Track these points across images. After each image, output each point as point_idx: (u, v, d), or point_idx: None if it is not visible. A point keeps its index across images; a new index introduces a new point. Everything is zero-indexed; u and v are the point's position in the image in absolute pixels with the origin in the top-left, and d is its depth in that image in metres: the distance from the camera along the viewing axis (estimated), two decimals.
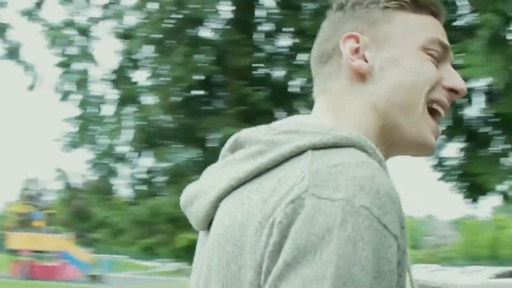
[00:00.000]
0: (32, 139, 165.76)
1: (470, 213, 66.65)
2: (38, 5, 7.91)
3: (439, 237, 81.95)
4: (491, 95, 6.63)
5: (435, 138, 0.84)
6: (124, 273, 40.54)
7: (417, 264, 56.02)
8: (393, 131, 0.82)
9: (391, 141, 0.83)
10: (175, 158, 7.80)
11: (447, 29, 0.90)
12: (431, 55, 0.83)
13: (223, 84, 7.72)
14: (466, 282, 25.52)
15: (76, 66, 7.83)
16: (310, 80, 1.10)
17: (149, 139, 7.59)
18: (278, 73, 7.82)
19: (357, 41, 0.84)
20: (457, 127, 7.08)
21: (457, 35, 6.34)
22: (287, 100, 7.43)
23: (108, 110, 7.93)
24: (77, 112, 7.86)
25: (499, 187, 6.80)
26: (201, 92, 7.90)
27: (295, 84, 7.56)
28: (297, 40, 7.42)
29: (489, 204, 75.98)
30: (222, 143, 0.88)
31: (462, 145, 7.12)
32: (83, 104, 7.82)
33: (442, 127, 0.91)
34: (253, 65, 7.53)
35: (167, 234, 8.14)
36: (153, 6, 7.52)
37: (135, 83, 7.87)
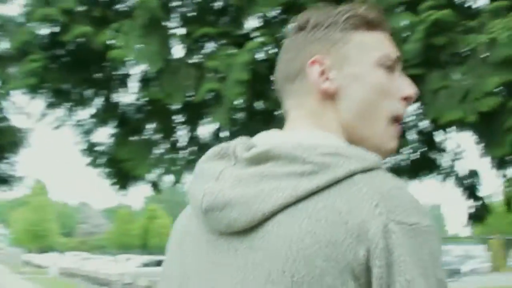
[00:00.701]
0: None
1: (124, 203, 68.92)
2: None
3: (92, 226, 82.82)
4: (145, 81, 6.53)
5: (397, 142, 0.97)
6: None
7: (69, 252, 55.30)
8: (360, 142, 0.91)
9: None
10: None
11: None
12: (386, 68, 0.94)
13: None
14: (115, 270, 26.05)
15: None
16: None
17: None
18: None
19: (321, 64, 0.93)
20: (110, 112, 6.78)
21: (116, 15, 6.02)
22: None
23: None
24: None
25: (149, 176, 6.75)
26: None
27: None
28: None
29: (142, 193, 79.66)
30: None
31: (114, 130, 6.85)
32: None
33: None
34: None
35: None
36: None
37: None
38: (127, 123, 6.76)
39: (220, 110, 5.75)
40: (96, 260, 38.80)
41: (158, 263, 24.87)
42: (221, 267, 0.84)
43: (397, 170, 8.50)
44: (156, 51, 5.48)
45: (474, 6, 6.17)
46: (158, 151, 6.59)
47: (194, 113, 6.36)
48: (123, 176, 6.55)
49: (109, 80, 6.79)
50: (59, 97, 6.71)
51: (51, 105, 6.75)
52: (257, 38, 6.07)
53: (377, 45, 0.95)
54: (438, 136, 8.30)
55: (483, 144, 6.06)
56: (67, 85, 6.65)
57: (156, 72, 5.65)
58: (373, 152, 0.87)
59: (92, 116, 6.92)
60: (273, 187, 0.81)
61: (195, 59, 6.17)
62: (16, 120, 10.22)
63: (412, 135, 8.25)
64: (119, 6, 6.34)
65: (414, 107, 7.64)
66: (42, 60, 5.91)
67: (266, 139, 0.91)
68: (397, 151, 8.18)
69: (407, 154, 8.36)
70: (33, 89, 6.28)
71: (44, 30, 6.26)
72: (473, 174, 8.89)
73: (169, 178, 6.63)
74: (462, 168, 8.69)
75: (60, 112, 6.89)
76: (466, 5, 6.19)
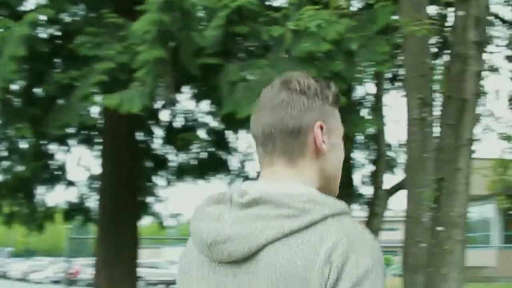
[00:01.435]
0: None
1: None
2: None
3: None
4: None
5: None
6: None
7: None
8: (329, 192, 1.16)
9: None
10: None
11: None
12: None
13: None
14: None
15: None
16: None
17: None
18: None
19: (323, 129, 1.16)
20: None
21: None
22: None
23: None
24: None
25: None
26: None
27: None
28: None
29: None
30: None
31: None
32: None
33: None
34: None
35: None
36: None
37: None
38: None
39: None
40: None
41: None
42: None
43: (184, 169, 8.10)
44: None
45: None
46: None
47: None
48: None
49: None
50: None
51: None
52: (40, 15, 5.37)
53: (339, 121, 1.22)
54: (229, 136, 8.08)
55: None
56: None
57: None
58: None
59: None
60: (265, 225, 1.06)
61: None
62: None
63: (202, 134, 7.90)
64: None
65: (205, 104, 7.28)
66: None
67: (256, 188, 1.12)
68: (186, 149, 7.75)
69: (196, 153, 7.99)
70: None
71: None
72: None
73: None
74: (252, 170, 8.63)
75: None
76: None
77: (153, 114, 7.58)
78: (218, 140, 7.97)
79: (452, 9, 5.59)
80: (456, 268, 4.64)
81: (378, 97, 7.51)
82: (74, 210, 8.13)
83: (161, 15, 4.59)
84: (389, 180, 7.89)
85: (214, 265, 1.11)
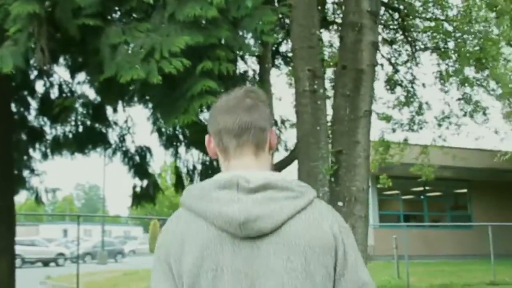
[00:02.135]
0: None
1: None
2: None
3: None
4: None
5: None
6: None
7: None
8: None
9: None
10: None
11: None
12: None
13: None
14: None
15: None
16: None
17: None
18: None
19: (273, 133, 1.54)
20: None
21: None
22: None
23: None
24: None
25: None
26: None
27: None
28: None
29: None
30: None
31: None
32: None
33: None
34: None
35: None
36: None
37: None
38: None
39: None
40: None
41: None
42: (250, 261, 1.31)
43: (61, 142, 7.48)
44: None
45: None
46: None
47: None
48: None
49: None
50: None
51: None
52: None
53: None
54: (108, 109, 7.52)
55: (161, 113, 5.33)
56: None
57: None
58: None
59: None
60: (281, 205, 1.34)
61: None
62: None
63: (79, 106, 7.26)
64: None
65: (83, 75, 6.72)
66: None
67: (254, 176, 1.37)
68: (63, 120, 7.15)
69: (73, 126, 7.43)
70: None
71: None
72: (143, 150, 8.39)
73: None
74: (131, 144, 8.21)
75: None
76: None
77: (28, 85, 6.99)
78: (96, 113, 7.37)
79: None
80: (358, 245, 4.48)
81: (263, 70, 7.17)
82: None
83: None
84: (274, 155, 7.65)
85: (237, 240, 1.31)
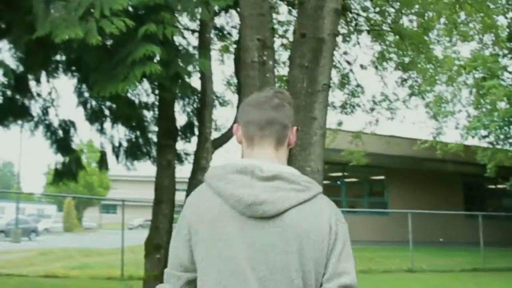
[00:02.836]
0: None
1: None
2: None
3: None
4: None
5: None
6: None
7: None
8: None
9: None
10: None
11: None
12: None
13: None
14: None
15: None
16: None
17: None
18: None
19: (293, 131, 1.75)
20: None
21: None
22: None
23: None
24: None
25: None
26: None
27: None
28: None
29: None
30: None
31: None
32: None
33: None
34: None
35: None
36: None
37: None
38: None
39: None
40: None
41: None
42: (254, 235, 1.53)
43: None
44: None
45: None
46: None
47: None
48: None
49: None
50: None
51: None
52: None
53: None
54: (30, 79, 6.83)
55: (97, 81, 4.74)
56: None
57: None
58: None
59: None
60: (285, 195, 1.55)
61: None
62: None
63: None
64: None
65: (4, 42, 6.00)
66: None
67: (268, 166, 1.59)
68: None
69: None
70: None
71: None
72: (67, 124, 7.75)
73: None
74: (55, 117, 7.76)
75: None
76: None
77: None
78: (18, 83, 6.81)
79: None
80: None
81: (203, 41, 6.67)
82: None
83: None
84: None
85: (245, 218, 1.54)
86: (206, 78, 6.66)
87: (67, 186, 11.04)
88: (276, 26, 9.25)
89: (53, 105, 7.57)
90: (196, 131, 7.35)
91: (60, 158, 7.78)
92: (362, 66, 9.91)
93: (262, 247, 1.52)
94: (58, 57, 6.75)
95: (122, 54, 4.46)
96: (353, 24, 9.50)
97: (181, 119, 7.77)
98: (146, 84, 7.78)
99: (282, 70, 9.09)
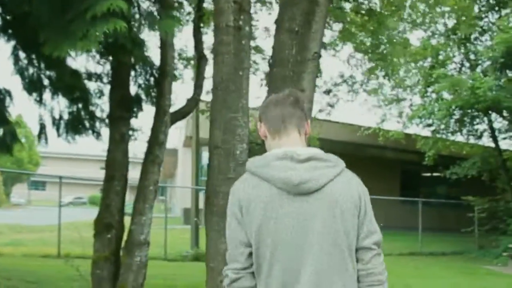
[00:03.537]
0: None
1: None
2: None
3: None
4: None
5: None
6: None
7: None
8: None
9: None
10: None
11: None
12: None
13: None
14: None
15: None
16: None
17: None
18: None
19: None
20: None
21: None
22: None
23: None
24: None
25: None
26: None
27: None
28: None
29: None
30: None
31: None
32: None
33: None
34: None
35: None
36: None
37: None
38: None
39: None
40: None
41: None
42: (301, 209, 1.83)
43: None
44: None
45: None
46: None
47: None
48: None
49: None
50: None
51: None
52: None
53: None
54: None
55: (50, 40, 4.15)
56: None
57: None
58: None
59: None
60: (323, 172, 1.85)
61: None
62: None
63: None
64: None
65: None
66: None
67: (301, 150, 1.88)
68: None
69: None
70: None
71: None
72: (2, 94, 7.08)
73: None
74: None
75: None
76: None
77: None
78: None
79: None
80: None
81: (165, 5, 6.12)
82: None
83: None
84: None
85: (291, 196, 1.83)
86: (167, 44, 6.10)
87: None
88: None
89: None
90: (145, 106, 6.85)
91: None
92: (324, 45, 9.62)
93: (309, 217, 1.81)
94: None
95: (79, 7, 3.90)
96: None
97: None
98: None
99: (259, 39, 8.57)
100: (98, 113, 7.38)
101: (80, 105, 7.42)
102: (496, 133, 17.73)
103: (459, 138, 19.00)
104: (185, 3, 8.61)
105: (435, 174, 23.04)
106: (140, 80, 7.22)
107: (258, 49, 9.56)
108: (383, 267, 1.91)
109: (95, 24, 3.80)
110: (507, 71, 13.96)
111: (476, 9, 15.49)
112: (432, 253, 16.36)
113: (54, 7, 4.17)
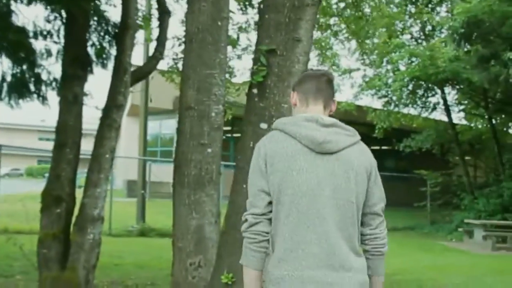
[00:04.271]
0: None
1: None
2: None
3: None
4: None
5: None
6: None
7: None
8: None
9: None
10: None
11: None
12: None
13: None
14: None
15: None
16: None
17: None
18: None
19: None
20: None
21: None
22: None
23: None
24: None
25: None
26: None
27: None
28: None
29: None
30: None
31: None
32: None
33: None
34: None
35: None
36: None
37: None
38: None
39: None
40: None
41: None
42: (321, 166, 2.01)
43: None
44: None
45: None
46: None
47: None
48: None
49: None
50: None
51: None
52: None
53: None
54: None
55: None
56: None
57: None
58: None
59: None
60: (343, 138, 2.05)
61: None
62: None
63: None
64: None
65: None
66: None
67: (327, 118, 2.10)
68: None
69: None
70: None
71: None
72: None
73: None
74: None
75: None
76: None
77: None
78: None
79: None
80: None
81: None
82: None
83: None
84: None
85: (314, 153, 2.02)
86: None
87: None
88: None
89: None
90: (94, 66, 6.13)
91: None
92: None
93: (327, 174, 2.01)
94: None
95: None
96: None
97: None
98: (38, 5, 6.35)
99: None
100: (44, 76, 6.65)
101: (25, 67, 6.69)
102: (450, 106, 17.79)
103: (411, 111, 19.01)
104: None
105: (384, 147, 23.17)
106: (94, 38, 6.49)
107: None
108: (386, 232, 2.16)
109: None
110: (466, 43, 13.81)
111: None
112: (392, 228, 16.35)
113: None
